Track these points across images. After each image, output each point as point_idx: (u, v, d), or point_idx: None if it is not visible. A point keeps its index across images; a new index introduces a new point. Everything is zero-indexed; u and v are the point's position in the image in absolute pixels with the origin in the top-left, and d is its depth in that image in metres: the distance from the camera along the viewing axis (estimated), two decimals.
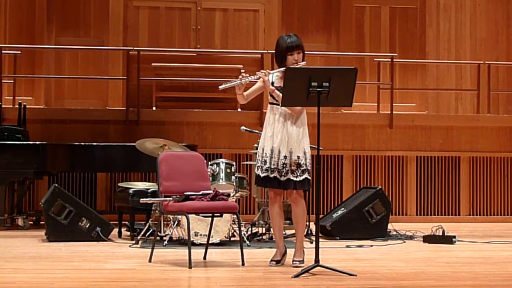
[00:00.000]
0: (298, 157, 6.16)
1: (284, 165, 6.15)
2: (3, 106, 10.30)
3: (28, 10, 11.67)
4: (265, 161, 6.20)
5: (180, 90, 11.42)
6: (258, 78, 6.32)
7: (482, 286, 5.62)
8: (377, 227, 8.56)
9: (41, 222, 9.53)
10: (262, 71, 6.38)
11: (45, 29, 11.68)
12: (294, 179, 6.15)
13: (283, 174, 6.16)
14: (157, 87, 11.24)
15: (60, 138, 10.27)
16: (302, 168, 6.16)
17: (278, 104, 6.16)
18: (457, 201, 11.21)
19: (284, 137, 6.17)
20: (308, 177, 6.19)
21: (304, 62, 6.26)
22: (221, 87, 6.36)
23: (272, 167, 6.18)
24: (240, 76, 6.29)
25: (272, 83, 6.28)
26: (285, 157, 6.16)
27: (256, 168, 6.30)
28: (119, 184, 8.90)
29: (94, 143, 9.53)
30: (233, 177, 8.11)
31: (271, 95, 6.26)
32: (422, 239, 8.31)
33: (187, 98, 11.30)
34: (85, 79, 11.60)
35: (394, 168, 11.13)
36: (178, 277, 5.79)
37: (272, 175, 6.18)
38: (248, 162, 9.28)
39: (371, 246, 7.89)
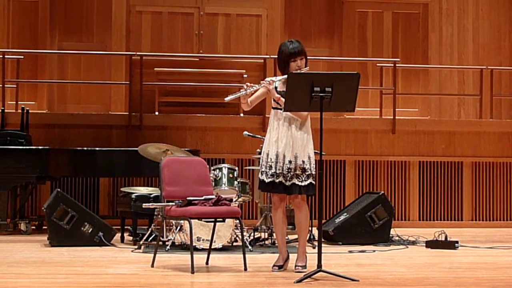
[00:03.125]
0: (303, 161, 6.15)
1: (289, 170, 6.14)
2: (6, 110, 10.31)
3: (31, 15, 11.68)
4: (270, 166, 6.19)
5: (182, 95, 11.41)
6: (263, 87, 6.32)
7: None
8: (379, 232, 8.56)
9: (44, 227, 9.54)
10: (267, 79, 6.38)
11: (48, 34, 11.69)
12: (299, 183, 6.14)
13: (288, 178, 6.16)
14: (159, 92, 11.24)
15: (63, 143, 10.28)
16: (307, 173, 6.15)
17: (281, 109, 6.16)
18: (459, 206, 11.19)
19: (288, 142, 6.16)
20: (313, 182, 6.19)
21: (307, 68, 6.25)
22: (226, 98, 6.35)
23: (278, 172, 6.17)
24: (245, 86, 6.27)
25: (276, 88, 6.27)
26: (290, 161, 6.15)
27: (260, 173, 6.29)
28: (122, 189, 8.90)
29: (97, 148, 9.53)
30: (235, 182, 8.11)
31: (275, 101, 6.25)
32: (424, 244, 8.30)
33: (190, 103, 11.29)
34: (88, 84, 11.60)
35: (396, 173, 11.12)
36: (181, 282, 5.79)
37: (277, 180, 6.17)
38: (251, 167, 9.28)
39: (374, 251, 7.88)
